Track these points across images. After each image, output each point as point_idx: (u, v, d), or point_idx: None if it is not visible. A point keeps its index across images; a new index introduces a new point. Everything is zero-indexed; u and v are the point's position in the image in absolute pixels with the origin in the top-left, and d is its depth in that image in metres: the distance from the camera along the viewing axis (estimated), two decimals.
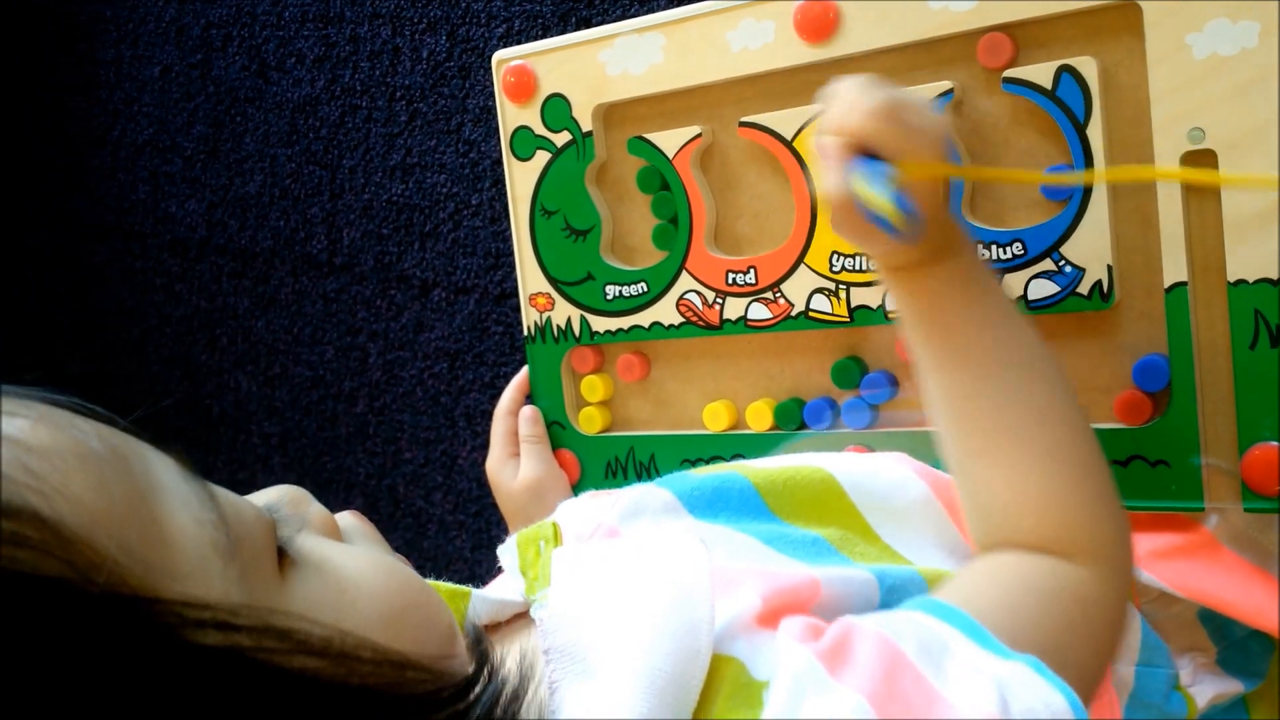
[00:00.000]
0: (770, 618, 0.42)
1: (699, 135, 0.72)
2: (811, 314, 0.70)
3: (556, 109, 0.77)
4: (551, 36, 0.77)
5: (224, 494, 0.37)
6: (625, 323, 0.77)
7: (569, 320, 0.79)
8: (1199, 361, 0.59)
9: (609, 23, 0.74)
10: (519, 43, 0.79)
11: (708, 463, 0.74)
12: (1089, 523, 0.49)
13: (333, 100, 1.22)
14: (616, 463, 0.79)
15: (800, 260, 0.70)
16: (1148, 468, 0.60)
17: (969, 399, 0.51)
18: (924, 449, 0.65)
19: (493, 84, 0.80)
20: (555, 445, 0.82)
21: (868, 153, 0.50)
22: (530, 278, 0.80)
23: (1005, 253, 0.63)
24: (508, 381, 0.84)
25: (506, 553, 0.52)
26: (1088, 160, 0.60)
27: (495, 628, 0.50)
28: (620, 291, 0.77)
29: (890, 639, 0.39)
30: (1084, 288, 0.61)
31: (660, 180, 0.74)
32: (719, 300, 0.73)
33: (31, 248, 1.56)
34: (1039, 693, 0.37)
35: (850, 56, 0.66)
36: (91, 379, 1.50)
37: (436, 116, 1.15)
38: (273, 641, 0.33)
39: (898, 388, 0.69)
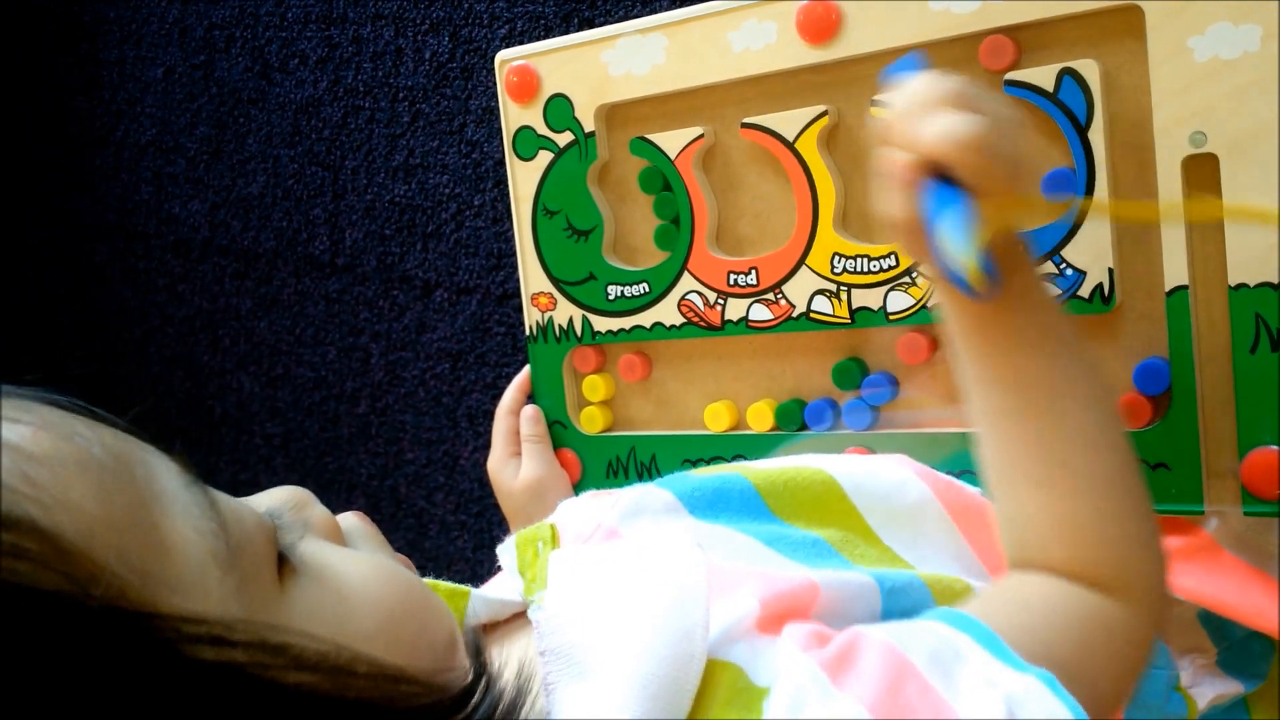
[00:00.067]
0: (770, 623, 0.42)
1: (701, 136, 0.72)
2: (813, 315, 0.70)
3: (559, 109, 0.77)
4: (554, 37, 0.77)
5: (225, 500, 0.37)
6: (627, 323, 0.77)
7: (571, 320, 0.79)
8: (1199, 365, 0.59)
9: (611, 23, 0.74)
10: (521, 43, 0.79)
11: (708, 463, 0.74)
12: (1122, 558, 0.47)
13: (335, 101, 1.22)
14: (618, 462, 0.79)
15: (802, 261, 0.70)
16: (1148, 471, 0.60)
17: (1012, 421, 0.49)
18: (925, 450, 0.65)
19: (495, 85, 0.80)
20: (556, 445, 0.82)
21: (940, 173, 0.45)
22: (532, 278, 0.81)
23: None
24: (509, 382, 0.84)
25: (505, 552, 0.52)
26: (1089, 163, 0.60)
27: (494, 626, 0.50)
28: (622, 292, 0.77)
29: (898, 648, 0.39)
30: (1085, 291, 0.61)
31: (662, 181, 0.75)
32: (720, 301, 0.73)
33: (33, 248, 1.56)
34: (1049, 708, 0.37)
35: (852, 58, 0.66)
36: (93, 379, 1.50)
37: (439, 117, 1.15)
38: (267, 657, 0.33)
39: (898, 389, 0.69)
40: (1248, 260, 0.56)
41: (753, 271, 0.72)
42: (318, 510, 0.43)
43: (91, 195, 1.48)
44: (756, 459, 0.61)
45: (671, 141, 0.73)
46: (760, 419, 0.73)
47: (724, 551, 0.50)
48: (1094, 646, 0.45)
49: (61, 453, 0.33)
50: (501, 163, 0.83)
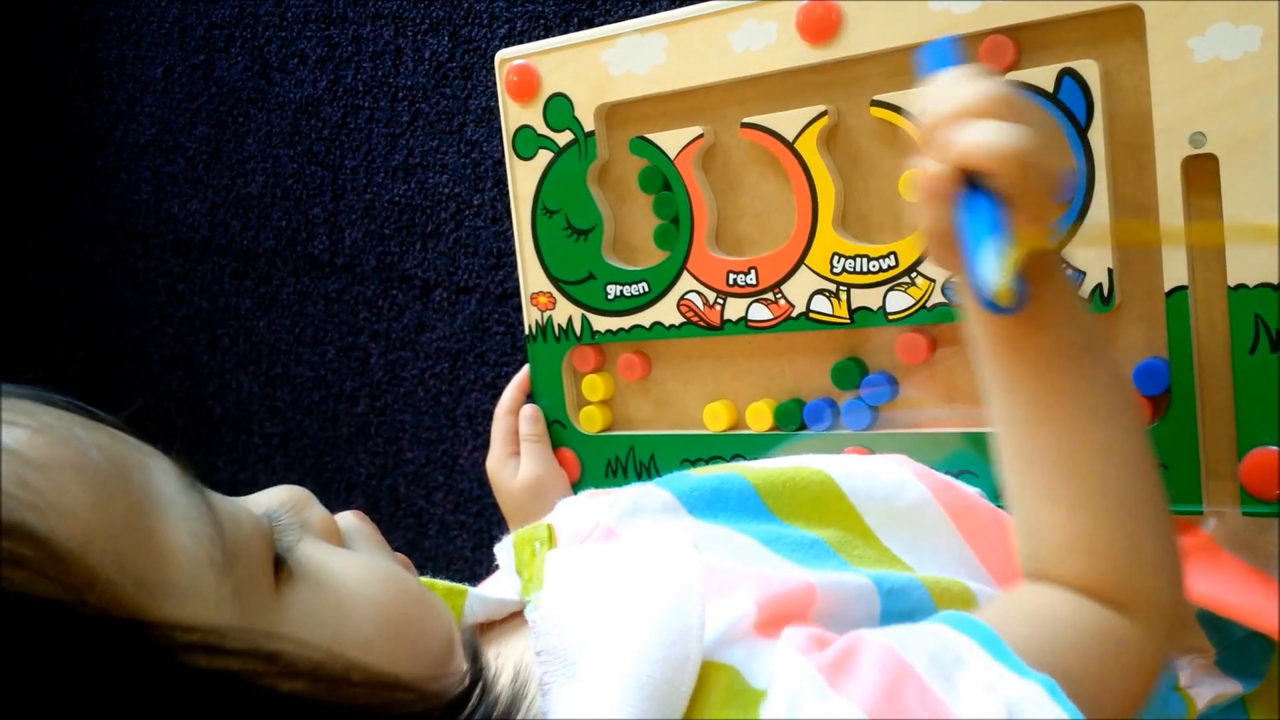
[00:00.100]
0: (768, 625, 0.42)
1: (701, 136, 0.72)
2: (812, 315, 0.70)
3: (559, 108, 0.77)
4: (554, 36, 0.77)
5: (222, 503, 0.37)
6: (626, 322, 0.77)
7: (570, 319, 0.79)
8: (1199, 365, 0.59)
9: (611, 23, 0.74)
10: (521, 43, 0.79)
11: (707, 463, 0.74)
12: (1138, 577, 0.46)
13: (335, 101, 1.22)
14: (616, 462, 0.79)
15: (801, 261, 0.70)
16: None
17: (1034, 433, 0.48)
18: (924, 450, 0.65)
19: (494, 84, 0.80)
20: (556, 444, 0.82)
21: (972, 178, 0.44)
22: (532, 277, 0.81)
23: None
24: (509, 381, 0.84)
25: (503, 551, 0.52)
26: (1089, 163, 0.60)
27: (491, 625, 0.50)
28: (621, 291, 0.77)
29: (897, 651, 0.39)
30: (1085, 291, 0.61)
31: (662, 180, 0.75)
32: (720, 300, 0.73)
33: (32, 248, 1.56)
34: (1049, 714, 0.37)
35: (852, 58, 0.66)
36: (92, 379, 1.50)
37: (438, 117, 1.15)
38: (261, 665, 0.33)
39: (897, 389, 0.69)
40: (1247, 261, 0.56)
41: (752, 271, 0.72)
42: (317, 511, 0.43)
43: (91, 195, 1.48)
44: (755, 459, 0.61)
45: (671, 141, 0.73)
46: (759, 419, 0.73)
47: (722, 551, 0.50)
48: (1103, 662, 0.45)
49: (58, 457, 0.33)
50: (501, 162, 0.83)
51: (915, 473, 0.57)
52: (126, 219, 1.45)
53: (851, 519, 0.55)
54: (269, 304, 1.34)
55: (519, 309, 0.83)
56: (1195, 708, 0.61)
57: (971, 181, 0.44)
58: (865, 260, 0.68)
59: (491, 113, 1.11)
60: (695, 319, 0.74)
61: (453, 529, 1.25)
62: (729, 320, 0.73)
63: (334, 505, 0.44)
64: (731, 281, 0.73)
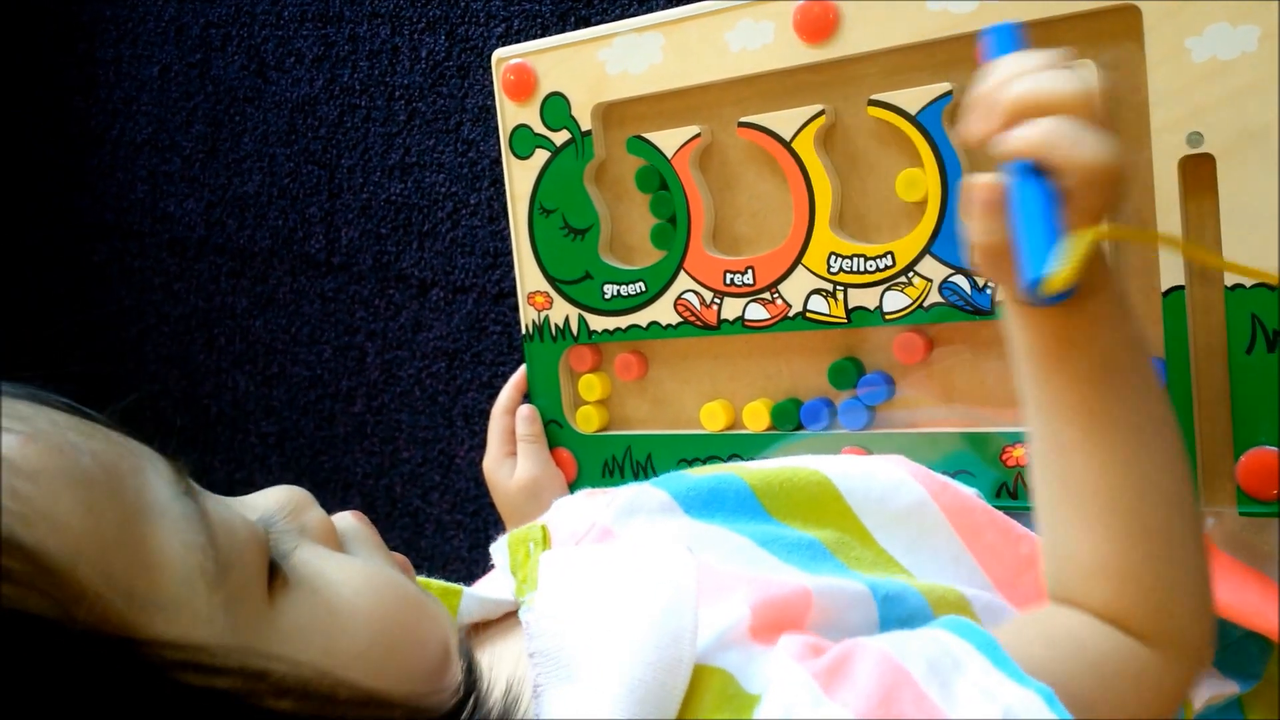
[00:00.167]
0: (763, 630, 0.42)
1: (698, 135, 0.72)
2: (809, 315, 0.70)
3: (556, 108, 0.77)
4: (551, 35, 0.77)
5: (217, 509, 0.37)
6: (623, 322, 0.77)
7: (567, 319, 0.79)
8: (1195, 365, 0.59)
9: (608, 22, 0.74)
10: (518, 42, 0.79)
11: (704, 462, 0.74)
12: (1166, 610, 0.45)
13: (331, 99, 1.22)
14: (613, 461, 0.79)
15: (798, 261, 0.70)
16: None
17: (1072, 455, 0.47)
18: (921, 450, 0.65)
19: (491, 84, 0.80)
20: (552, 444, 0.82)
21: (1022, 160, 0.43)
22: (528, 276, 0.80)
23: None
24: (505, 381, 0.84)
25: (498, 551, 0.52)
26: None
27: (486, 625, 0.50)
28: (618, 291, 0.77)
29: (894, 657, 0.39)
30: None
31: (659, 180, 0.75)
32: (717, 300, 0.73)
33: (31, 247, 1.56)
34: None
35: (850, 57, 0.66)
36: (90, 378, 1.49)
37: (435, 116, 1.15)
38: (249, 683, 0.33)
39: (895, 388, 0.69)
40: (1245, 261, 0.56)
41: (749, 271, 0.72)
42: (315, 513, 0.43)
43: (88, 194, 1.48)
44: (752, 459, 0.61)
45: (668, 140, 0.73)
46: (756, 418, 0.73)
47: (718, 552, 0.50)
48: (1120, 692, 0.44)
49: (50, 466, 0.32)
50: (498, 161, 0.83)
51: (912, 473, 0.57)
52: (123, 218, 1.45)
53: (848, 520, 0.55)
54: (265, 303, 1.34)
55: (516, 308, 0.83)
56: (1192, 708, 0.61)
57: (1024, 166, 0.43)
58: (862, 260, 0.68)
59: (488, 112, 1.11)
60: (692, 319, 0.74)
61: (449, 529, 1.24)
62: (726, 320, 0.73)
63: (330, 505, 0.44)
64: (728, 281, 0.73)
